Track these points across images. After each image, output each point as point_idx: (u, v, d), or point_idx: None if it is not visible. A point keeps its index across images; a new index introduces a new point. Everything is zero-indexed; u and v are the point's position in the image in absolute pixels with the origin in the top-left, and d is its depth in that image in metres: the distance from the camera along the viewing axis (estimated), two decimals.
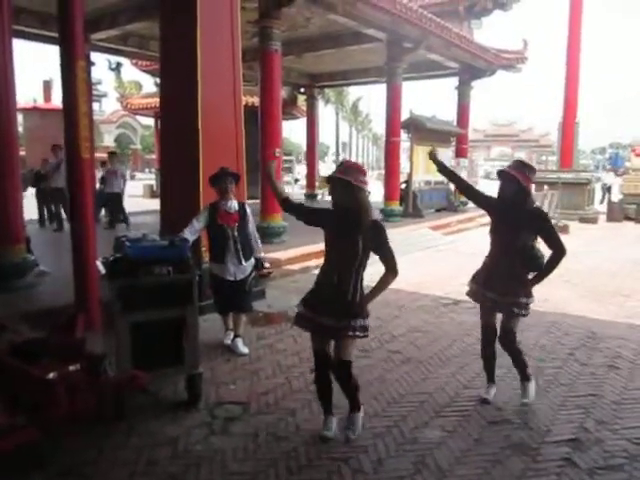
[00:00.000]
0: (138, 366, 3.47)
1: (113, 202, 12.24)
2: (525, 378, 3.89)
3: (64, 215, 11.02)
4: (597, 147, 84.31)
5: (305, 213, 3.42)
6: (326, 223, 3.26)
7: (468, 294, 3.99)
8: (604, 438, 3.39)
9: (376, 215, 3.22)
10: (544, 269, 3.66)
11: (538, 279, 3.70)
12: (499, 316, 3.87)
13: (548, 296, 6.96)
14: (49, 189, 11.47)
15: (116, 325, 3.51)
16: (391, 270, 3.14)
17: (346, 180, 3.05)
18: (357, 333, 3.15)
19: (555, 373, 4.44)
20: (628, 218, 16.09)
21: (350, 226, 3.08)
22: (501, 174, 3.68)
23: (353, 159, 54.18)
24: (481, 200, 3.91)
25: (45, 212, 12.04)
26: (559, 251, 3.58)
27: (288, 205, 3.38)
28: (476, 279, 3.90)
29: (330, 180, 3.19)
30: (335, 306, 3.14)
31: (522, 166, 3.67)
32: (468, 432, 3.46)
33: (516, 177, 3.55)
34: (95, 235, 5.29)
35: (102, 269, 3.77)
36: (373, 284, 3.21)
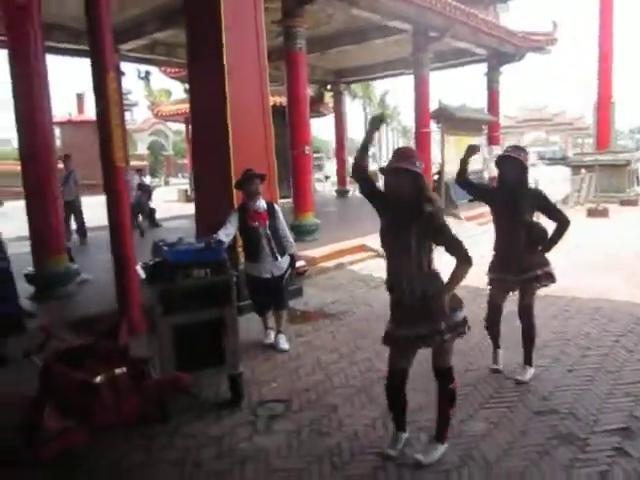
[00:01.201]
0: (181, 368, 3.54)
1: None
2: (527, 362, 4.04)
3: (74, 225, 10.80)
4: (636, 126, 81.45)
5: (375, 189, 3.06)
6: (384, 213, 2.99)
7: (489, 284, 4.17)
8: None
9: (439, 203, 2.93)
10: (551, 239, 3.89)
11: (547, 249, 3.93)
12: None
13: (591, 282, 6.79)
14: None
15: (158, 328, 3.58)
16: (463, 260, 2.83)
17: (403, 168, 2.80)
18: (448, 335, 2.88)
19: (601, 361, 4.33)
20: None
21: (404, 219, 2.86)
22: (505, 158, 3.89)
23: (383, 153, 53.89)
24: (484, 192, 4.26)
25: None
26: (563, 222, 3.87)
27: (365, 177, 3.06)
28: (493, 268, 4.11)
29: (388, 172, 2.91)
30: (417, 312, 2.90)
31: (519, 149, 3.96)
32: (513, 423, 3.40)
33: (520, 159, 3.79)
34: (133, 241, 5.41)
35: (142, 274, 3.86)
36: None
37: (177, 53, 13.47)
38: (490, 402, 3.71)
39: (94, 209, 10.38)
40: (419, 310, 2.88)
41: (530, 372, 4.02)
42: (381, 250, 3.14)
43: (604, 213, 13.16)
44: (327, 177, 28.82)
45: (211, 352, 3.74)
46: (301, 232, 9.53)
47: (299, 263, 6.67)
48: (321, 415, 3.62)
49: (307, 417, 3.61)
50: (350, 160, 35.22)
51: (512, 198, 3.83)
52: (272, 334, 5.04)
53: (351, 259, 8.55)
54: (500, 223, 4.02)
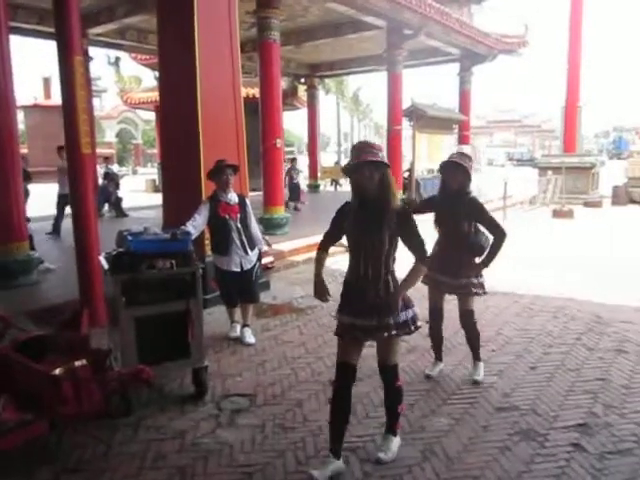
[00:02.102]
0: (143, 361, 3.47)
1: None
2: (477, 358, 4.08)
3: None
4: (601, 131, 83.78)
5: (333, 234, 3.07)
6: (347, 221, 2.92)
7: (422, 281, 3.98)
8: (613, 423, 3.37)
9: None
10: (489, 252, 3.82)
11: (486, 263, 3.86)
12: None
13: (555, 281, 6.94)
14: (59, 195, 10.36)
15: (120, 320, 3.50)
16: (422, 259, 2.89)
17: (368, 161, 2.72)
18: (394, 332, 2.88)
19: (562, 358, 4.42)
20: (633, 202, 15.98)
21: (375, 215, 2.82)
22: (449, 165, 3.81)
23: None
24: (427, 206, 4.16)
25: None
26: (500, 235, 3.77)
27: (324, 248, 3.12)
28: (430, 266, 3.90)
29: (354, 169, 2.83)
30: (371, 304, 2.88)
31: (464, 156, 3.90)
32: (475, 419, 3.45)
33: (465, 166, 3.74)
34: (98, 230, 5.28)
35: (105, 264, 3.77)
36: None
37: (148, 39, 13.23)
38: (453, 398, 3.75)
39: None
40: (374, 304, 2.86)
41: (481, 366, 4.06)
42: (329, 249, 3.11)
43: (569, 214, 13.47)
44: (299, 171, 28.74)
45: (175, 345, 3.68)
46: (271, 225, 9.49)
47: (267, 259, 6.65)
48: (286, 410, 3.61)
49: (271, 411, 3.58)
50: (322, 155, 35.14)
51: (452, 205, 3.81)
52: (238, 327, 4.99)
53: None
54: (441, 227, 4.00)
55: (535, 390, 3.84)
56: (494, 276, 6.78)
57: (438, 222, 4.01)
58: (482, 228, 3.93)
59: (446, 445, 3.15)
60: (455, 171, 3.78)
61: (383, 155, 2.80)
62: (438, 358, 4.22)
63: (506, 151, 51.93)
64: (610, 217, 13.79)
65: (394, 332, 2.87)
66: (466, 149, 16.72)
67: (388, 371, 3.02)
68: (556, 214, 13.63)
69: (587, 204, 15.61)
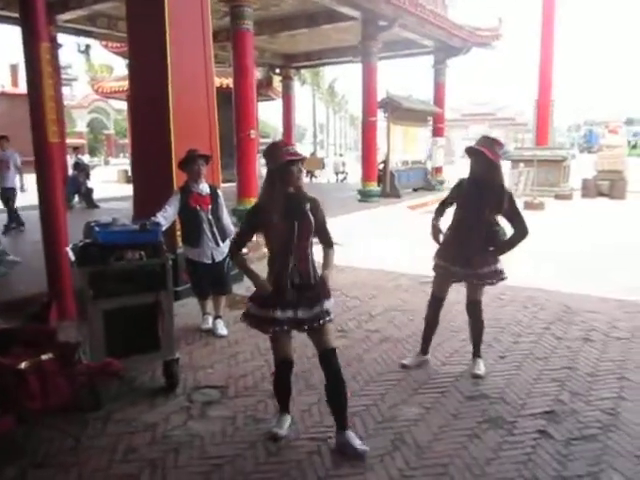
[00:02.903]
0: (113, 354, 3.42)
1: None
2: (478, 354, 4.06)
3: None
4: (573, 124, 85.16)
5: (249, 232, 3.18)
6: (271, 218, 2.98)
7: (435, 269, 4.05)
8: (579, 409, 3.45)
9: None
10: (505, 244, 3.82)
11: (500, 252, 3.87)
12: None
13: (526, 271, 7.03)
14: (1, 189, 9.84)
15: (88, 313, 3.44)
16: (331, 244, 3.10)
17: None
18: (328, 318, 2.98)
19: (531, 347, 4.50)
20: (602, 194, 16.32)
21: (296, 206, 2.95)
22: (470, 150, 3.72)
23: (331, 140, 53.96)
24: (454, 197, 3.95)
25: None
26: (522, 232, 3.75)
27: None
28: (442, 255, 3.98)
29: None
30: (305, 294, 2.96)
31: (488, 141, 3.71)
32: (446, 408, 3.49)
33: (484, 152, 3.60)
34: (66, 221, 5.17)
35: (72, 256, 3.70)
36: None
37: (119, 26, 12.96)
38: (424, 387, 3.78)
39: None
40: (301, 295, 2.94)
41: (481, 362, 4.04)
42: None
43: (540, 206, 13.69)
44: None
45: (146, 337, 3.63)
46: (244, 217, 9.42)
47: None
48: (257, 401, 3.60)
49: (243, 403, 3.57)
50: (298, 146, 34.92)
51: (482, 191, 3.68)
52: (210, 319, 4.96)
53: None
54: (462, 214, 3.87)
55: (504, 379, 3.91)
56: None
57: (462, 206, 3.86)
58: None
59: (416, 434, 3.18)
60: (477, 157, 3.66)
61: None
62: (424, 351, 4.18)
63: None
64: (579, 209, 14.07)
65: (328, 318, 2.98)
66: (440, 141, 16.87)
67: (329, 355, 3.01)
68: (528, 206, 13.83)
69: (558, 196, 15.90)
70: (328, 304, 2.99)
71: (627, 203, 15.30)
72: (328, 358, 3.00)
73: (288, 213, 2.89)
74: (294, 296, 2.95)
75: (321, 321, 2.93)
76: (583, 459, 2.92)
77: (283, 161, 2.85)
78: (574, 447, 3.04)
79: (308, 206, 2.94)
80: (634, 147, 43.79)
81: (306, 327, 2.97)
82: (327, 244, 3.10)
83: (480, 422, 3.31)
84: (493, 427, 3.25)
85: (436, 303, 4.11)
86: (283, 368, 3.13)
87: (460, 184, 3.94)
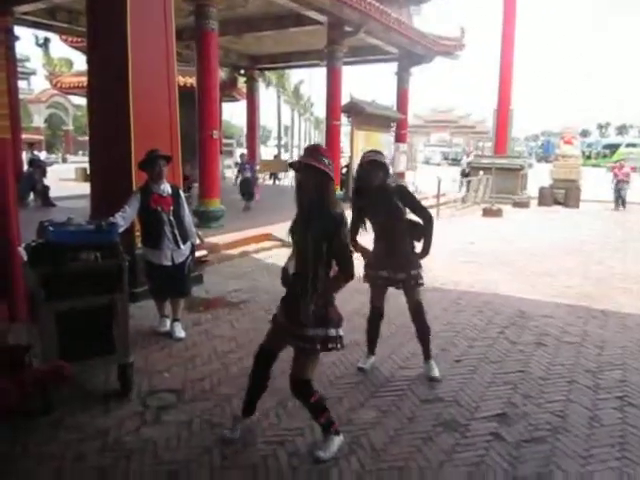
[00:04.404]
0: (65, 357, 3.33)
1: None
2: (429, 356, 4.11)
3: None
4: (531, 134, 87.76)
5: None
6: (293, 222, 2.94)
7: (365, 280, 4.13)
8: (530, 412, 3.54)
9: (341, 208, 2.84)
10: (425, 241, 3.90)
11: (425, 251, 3.93)
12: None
13: (482, 277, 7.22)
14: None
15: (40, 314, 3.34)
16: (347, 273, 2.81)
17: (310, 165, 2.74)
18: (310, 346, 2.82)
19: (486, 351, 4.60)
20: (557, 202, 16.84)
21: (310, 219, 2.79)
22: (369, 164, 3.78)
23: (295, 143, 53.94)
24: (361, 213, 3.95)
25: None
26: (430, 218, 3.87)
27: None
28: (373, 265, 4.05)
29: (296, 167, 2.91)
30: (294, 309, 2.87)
31: (379, 153, 3.89)
32: (402, 411, 3.53)
33: (383, 162, 3.78)
34: (18, 220, 5.00)
35: (24, 256, 3.58)
36: None
37: (80, 21, 12.62)
38: (381, 391, 3.82)
39: None
40: (299, 311, 2.82)
41: (434, 363, 4.10)
42: (288, 239, 3.09)
43: (498, 213, 14.03)
44: (237, 163, 28.44)
45: (100, 340, 3.55)
46: (206, 218, 9.34)
47: (201, 252, 6.53)
48: (214, 405, 3.56)
49: (199, 407, 3.52)
50: (263, 148, 34.67)
51: (381, 197, 3.80)
52: (168, 322, 4.88)
53: (256, 247, 8.51)
54: (375, 222, 3.97)
55: (459, 382, 3.98)
56: (426, 273, 7.00)
57: (372, 218, 3.96)
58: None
59: (373, 437, 3.20)
60: (375, 168, 3.77)
61: (329, 162, 2.78)
62: (371, 352, 4.27)
63: (442, 150, 53.51)
64: (536, 217, 14.48)
65: (306, 345, 2.84)
66: (403, 147, 17.09)
67: (299, 387, 2.91)
68: (486, 213, 14.17)
69: (515, 204, 16.32)
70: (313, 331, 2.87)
71: (581, 211, 15.83)
72: (294, 390, 2.97)
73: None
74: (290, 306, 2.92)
75: (300, 344, 2.90)
76: (533, 460, 3.00)
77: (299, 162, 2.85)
78: (524, 449, 3.11)
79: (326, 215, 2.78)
80: (589, 157, 45.42)
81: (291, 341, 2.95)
82: (340, 268, 2.89)
83: (435, 425, 3.36)
84: (447, 430, 3.30)
85: (375, 310, 4.18)
86: (261, 356, 3.10)
87: (357, 198, 4.00)
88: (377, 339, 4.27)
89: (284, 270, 2.99)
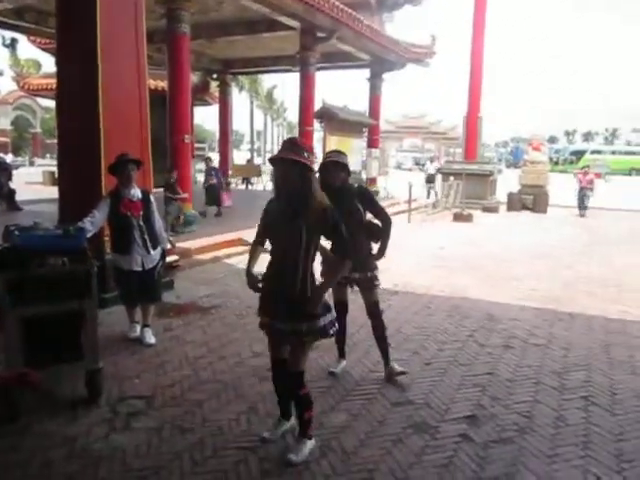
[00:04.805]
0: (31, 363, 3.27)
1: None
2: (387, 363, 4.14)
3: None
4: (501, 141, 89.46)
5: (262, 232, 3.08)
6: (269, 218, 2.97)
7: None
8: (498, 413, 3.61)
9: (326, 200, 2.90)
10: (382, 243, 3.98)
11: (381, 253, 4.01)
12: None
13: (452, 281, 7.32)
14: None
15: (5, 320, 3.27)
16: (346, 257, 2.91)
17: (291, 159, 2.75)
18: (309, 337, 2.89)
19: (455, 354, 4.67)
20: (526, 208, 17.18)
21: (294, 212, 2.81)
22: (329, 164, 3.83)
23: (268, 147, 53.85)
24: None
25: None
26: (388, 221, 3.96)
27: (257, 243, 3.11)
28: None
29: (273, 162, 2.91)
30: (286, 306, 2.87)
31: (341, 154, 3.93)
32: (372, 414, 3.56)
33: (345, 163, 3.84)
34: None
35: None
36: None
37: (49, 22, 12.40)
38: (351, 394, 3.84)
39: None
40: (288, 306, 2.85)
41: (395, 365, 4.14)
42: (264, 243, 3.09)
43: (468, 218, 14.24)
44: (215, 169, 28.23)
45: (67, 346, 3.50)
46: (177, 223, 9.25)
47: (172, 257, 6.48)
48: (185, 411, 3.53)
49: (170, 413, 3.49)
50: (236, 153, 34.47)
51: (341, 198, 3.75)
52: (138, 328, 4.82)
53: (228, 252, 8.46)
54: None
55: (429, 385, 4.03)
56: (398, 277, 7.09)
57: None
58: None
59: (343, 440, 3.22)
60: (336, 169, 3.81)
61: (309, 155, 2.80)
62: (341, 355, 4.30)
63: (414, 156, 54.12)
64: (504, 221, 14.76)
65: (307, 337, 2.89)
66: (375, 152, 17.23)
67: (293, 378, 2.97)
68: (456, 218, 14.37)
69: (485, 209, 16.60)
70: (315, 323, 2.93)
71: (548, 216, 16.19)
72: (288, 381, 3.05)
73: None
74: (278, 305, 2.95)
75: (298, 338, 2.93)
76: (500, 461, 3.06)
77: (277, 156, 2.88)
78: (492, 450, 3.18)
79: (313, 207, 2.87)
80: (556, 163, 46.43)
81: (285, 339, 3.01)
82: (339, 253, 3.04)
83: (405, 427, 3.39)
84: (417, 432, 3.34)
85: (338, 310, 4.17)
86: (273, 368, 3.15)
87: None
88: (345, 337, 4.26)
89: (250, 274, 3.00)
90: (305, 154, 2.78)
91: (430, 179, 20.20)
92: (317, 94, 14.02)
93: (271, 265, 2.95)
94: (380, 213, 3.98)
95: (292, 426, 3.22)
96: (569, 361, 4.58)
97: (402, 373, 4.08)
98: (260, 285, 2.98)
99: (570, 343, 5.02)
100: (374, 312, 4.12)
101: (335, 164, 3.81)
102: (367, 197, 3.99)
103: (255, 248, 3.12)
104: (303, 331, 2.85)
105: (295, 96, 14.24)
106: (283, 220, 2.84)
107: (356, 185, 4.01)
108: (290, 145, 2.84)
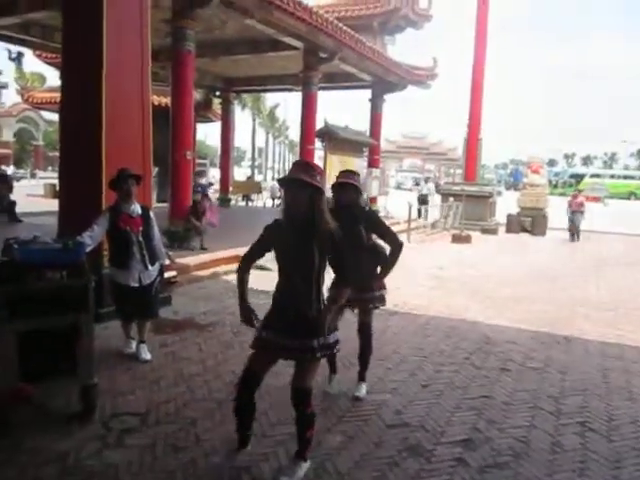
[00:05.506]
0: (26, 377, 3.26)
1: None
2: (362, 379, 4.18)
3: None
4: (500, 162, 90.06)
5: (258, 252, 3.07)
6: (276, 239, 2.95)
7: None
8: (493, 437, 3.58)
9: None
10: (389, 262, 4.00)
11: (385, 273, 4.03)
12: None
13: (450, 302, 7.31)
14: None
15: (1, 333, 3.25)
16: (348, 279, 2.98)
17: (303, 181, 2.77)
18: (320, 354, 2.90)
19: (452, 376, 4.65)
20: (525, 230, 17.24)
21: (305, 233, 2.84)
22: (339, 185, 3.88)
23: (269, 165, 54.14)
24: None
25: None
26: (398, 245, 3.96)
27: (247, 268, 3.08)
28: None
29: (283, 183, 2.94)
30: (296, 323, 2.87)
31: (353, 173, 4.00)
32: (368, 436, 3.53)
33: (354, 183, 3.86)
34: None
35: None
36: None
37: (55, 37, 12.53)
38: (347, 415, 3.81)
39: None
40: (301, 324, 2.85)
41: (364, 388, 4.15)
42: (269, 264, 3.10)
43: (467, 239, 14.28)
44: (211, 184, 28.39)
45: (63, 361, 3.48)
46: (177, 239, 9.26)
47: (170, 273, 6.47)
48: (179, 429, 3.50)
49: (163, 431, 3.46)
50: (237, 170, 34.70)
51: (348, 218, 3.75)
52: (134, 344, 4.80)
53: (226, 269, 8.44)
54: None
55: (425, 407, 4.01)
56: (397, 297, 7.08)
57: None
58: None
59: (338, 462, 3.19)
60: (348, 189, 3.86)
61: (320, 179, 2.83)
62: (333, 370, 4.26)
63: (413, 176, 54.45)
64: (503, 243, 14.80)
65: (318, 354, 2.89)
66: (375, 172, 17.32)
67: (301, 395, 2.94)
68: (455, 239, 14.40)
69: (484, 231, 16.64)
70: (325, 339, 2.95)
71: (547, 239, 16.23)
72: (296, 398, 2.98)
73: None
74: (287, 322, 2.94)
75: (309, 355, 2.92)
76: None
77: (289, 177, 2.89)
78: (488, 474, 3.15)
79: (322, 228, 2.90)
80: (555, 186, 46.70)
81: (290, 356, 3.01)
82: (340, 275, 3.08)
83: (400, 450, 3.37)
84: (413, 455, 3.32)
85: None
86: (249, 382, 3.04)
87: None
88: (335, 360, 4.21)
89: (245, 307, 3.02)
90: (316, 176, 2.82)
91: (424, 199, 20.07)
92: (319, 113, 14.15)
93: (282, 284, 2.96)
94: (388, 234, 3.99)
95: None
96: (566, 385, 4.56)
97: (357, 399, 4.06)
98: (255, 321, 3.00)
99: (567, 367, 5.00)
100: (365, 332, 4.14)
101: (346, 185, 3.85)
102: (373, 220, 4.02)
103: (243, 276, 3.06)
104: (315, 347, 2.85)
105: (297, 115, 14.37)
106: (294, 241, 2.84)
107: (367, 207, 4.05)
108: (302, 167, 2.88)
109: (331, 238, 2.84)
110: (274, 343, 2.92)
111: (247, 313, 3.02)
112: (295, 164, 2.97)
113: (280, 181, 2.97)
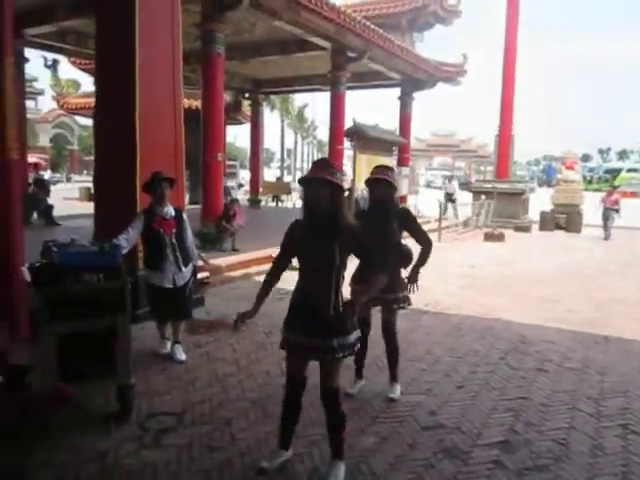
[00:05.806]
0: (65, 378, 3.33)
1: None
2: (394, 379, 4.13)
3: None
4: (532, 159, 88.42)
5: (284, 260, 3.07)
6: (298, 238, 2.95)
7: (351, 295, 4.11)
8: (532, 439, 3.51)
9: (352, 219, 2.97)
10: (419, 261, 3.97)
11: (415, 274, 3.98)
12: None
13: (484, 301, 7.20)
14: None
15: (41, 335, 3.34)
16: (378, 273, 2.97)
17: (323, 179, 2.78)
18: (341, 354, 2.87)
19: (487, 377, 4.57)
20: (559, 227, 16.86)
21: (325, 231, 2.84)
22: (372, 181, 3.89)
23: (298, 165, 54.30)
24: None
25: None
26: (429, 244, 3.94)
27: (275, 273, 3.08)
28: (354, 279, 3.96)
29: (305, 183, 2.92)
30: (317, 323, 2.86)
31: (387, 169, 4.00)
32: (403, 438, 3.50)
33: (387, 179, 3.84)
34: (23, 240, 5.02)
35: (28, 276, 3.60)
36: None
37: (88, 44, 12.82)
38: (381, 416, 3.79)
39: None
40: (319, 323, 2.85)
41: (398, 388, 4.11)
42: (294, 262, 3.09)
43: (500, 237, 14.04)
44: (241, 185, 28.68)
45: (101, 361, 3.56)
46: (209, 240, 9.36)
47: (203, 274, 6.54)
48: (214, 429, 3.53)
49: (199, 431, 3.50)
50: (266, 171, 34.96)
51: (382, 214, 3.85)
52: (169, 344, 4.87)
53: (258, 270, 8.48)
54: (370, 237, 4.01)
55: (461, 408, 3.95)
56: (428, 297, 7.00)
57: (367, 233, 4.00)
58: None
59: (373, 464, 3.17)
60: (378, 185, 3.87)
61: (340, 176, 2.87)
62: (359, 376, 4.22)
63: (443, 174, 53.97)
64: (537, 241, 14.50)
65: (340, 354, 2.87)
66: (405, 171, 17.20)
67: (331, 395, 2.95)
68: (487, 237, 14.18)
69: (517, 228, 16.34)
70: (346, 339, 2.94)
71: (582, 236, 15.84)
72: (325, 398, 2.99)
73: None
74: (308, 322, 2.96)
75: (330, 355, 2.90)
76: None
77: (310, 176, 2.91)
78: (527, 477, 3.08)
79: (342, 225, 2.91)
80: (590, 182, 45.59)
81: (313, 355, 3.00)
82: (370, 271, 3.12)
83: (436, 452, 3.33)
84: (448, 457, 3.27)
85: (361, 329, 4.15)
86: (290, 388, 3.09)
87: (361, 213, 4.13)
88: (364, 358, 4.20)
89: (249, 316, 3.07)
90: (336, 174, 2.83)
91: (450, 197, 19.67)
92: (347, 112, 14.12)
93: (302, 282, 2.97)
94: (419, 232, 3.98)
95: (289, 457, 3.14)
96: (606, 387, 4.44)
97: (391, 400, 4.02)
98: (241, 324, 3.06)
99: (606, 368, 4.87)
100: (389, 331, 4.12)
101: (380, 180, 3.85)
102: (406, 216, 4.03)
103: (268, 279, 3.08)
104: (335, 347, 2.84)
105: (325, 115, 14.37)
106: (315, 239, 2.85)
107: (400, 206, 4.04)
108: (321, 165, 2.90)
109: (352, 233, 2.86)
110: (295, 342, 2.94)
111: (245, 316, 3.05)
112: (315, 163, 2.99)
113: (301, 180, 2.97)
